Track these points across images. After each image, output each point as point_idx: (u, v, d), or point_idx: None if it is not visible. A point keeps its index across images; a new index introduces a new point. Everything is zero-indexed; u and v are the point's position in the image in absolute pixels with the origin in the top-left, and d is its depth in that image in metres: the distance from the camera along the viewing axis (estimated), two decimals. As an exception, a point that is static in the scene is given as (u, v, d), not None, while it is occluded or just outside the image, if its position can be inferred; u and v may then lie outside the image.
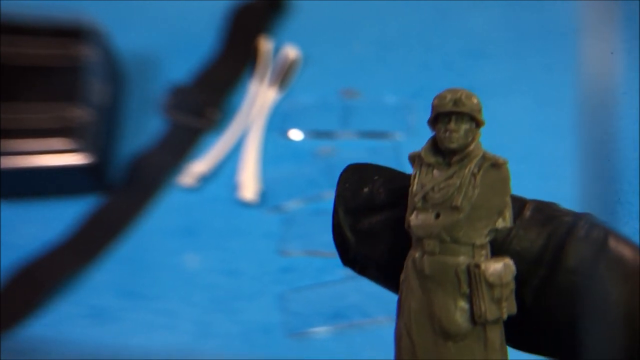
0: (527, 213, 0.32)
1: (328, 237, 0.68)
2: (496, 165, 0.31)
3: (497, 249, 0.32)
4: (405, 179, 0.34)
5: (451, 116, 0.32)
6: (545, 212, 0.32)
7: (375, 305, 0.62)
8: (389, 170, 0.35)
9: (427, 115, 0.68)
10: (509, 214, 0.32)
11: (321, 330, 0.61)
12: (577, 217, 0.31)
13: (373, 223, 0.34)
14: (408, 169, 0.68)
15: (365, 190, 0.35)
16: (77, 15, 0.73)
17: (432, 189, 0.32)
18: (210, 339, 0.63)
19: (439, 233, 0.31)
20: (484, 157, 0.32)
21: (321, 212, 0.68)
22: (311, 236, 0.67)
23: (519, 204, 0.32)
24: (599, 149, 0.34)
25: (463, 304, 0.31)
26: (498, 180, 0.32)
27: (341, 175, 0.35)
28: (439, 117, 0.32)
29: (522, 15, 0.79)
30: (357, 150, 0.71)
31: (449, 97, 0.32)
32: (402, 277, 0.33)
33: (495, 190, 0.32)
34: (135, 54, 0.80)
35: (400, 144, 0.71)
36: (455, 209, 0.31)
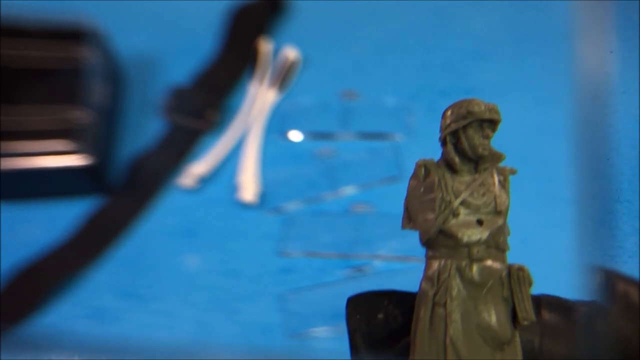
0: (547, 316, 0.33)
1: (327, 238, 0.68)
2: (512, 174, 0.32)
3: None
4: (412, 297, 0.33)
5: (484, 124, 0.32)
6: (562, 308, 0.34)
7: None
8: (395, 293, 0.35)
9: (427, 116, 0.68)
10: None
11: (321, 331, 0.61)
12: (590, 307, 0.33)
13: (398, 349, 0.34)
14: (407, 169, 0.68)
15: (380, 316, 0.35)
16: (76, 17, 0.73)
17: (472, 195, 0.32)
18: (210, 339, 0.63)
19: (487, 239, 0.31)
20: (497, 167, 0.33)
21: (321, 214, 0.68)
22: (311, 237, 0.67)
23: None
24: (597, 149, 0.34)
25: (507, 310, 0.31)
26: (508, 187, 0.32)
27: (347, 310, 0.35)
28: (471, 124, 0.32)
29: (522, 16, 0.79)
30: (357, 152, 0.71)
31: (484, 105, 0.32)
32: (430, 292, 0.32)
33: (509, 196, 0.32)
34: (135, 55, 0.80)
35: (400, 145, 0.71)
36: (499, 214, 0.31)
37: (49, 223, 0.69)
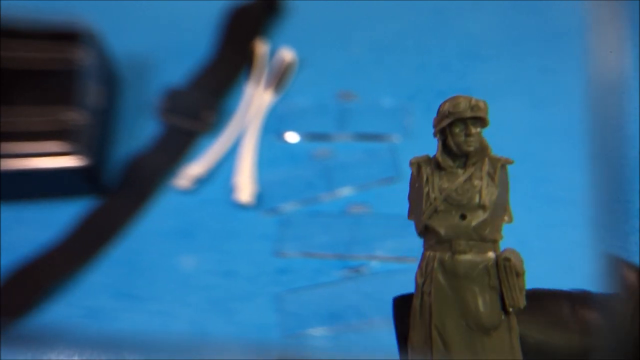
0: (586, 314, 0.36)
1: (324, 238, 0.68)
2: (504, 166, 0.33)
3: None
4: None
5: (467, 121, 0.33)
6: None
7: (372, 306, 0.62)
8: None
9: (425, 117, 0.68)
10: (510, 209, 0.34)
11: (317, 331, 0.61)
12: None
13: None
14: (404, 170, 0.68)
15: None
16: (72, 19, 0.73)
17: (455, 191, 0.33)
18: (207, 339, 0.63)
19: (469, 233, 0.33)
20: (491, 158, 0.34)
21: (317, 214, 0.68)
22: (307, 238, 0.67)
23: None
24: (603, 149, 0.35)
25: (494, 297, 0.33)
26: (505, 178, 0.34)
27: (394, 312, 0.37)
28: (455, 123, 0.33)
29: (519, 17, 0.79)
30: (354, 153, 0.71)
31: (464, 102, 0.33)
32: (419, 280, 0.34)
33: (504, 188, 0.33)
34: (130, 56, 0.80)
35: (397, 146, 0.71)
36: (482, 208, 0.33)
37: (45, 224, 0.69)
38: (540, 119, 0.71)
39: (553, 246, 0.62)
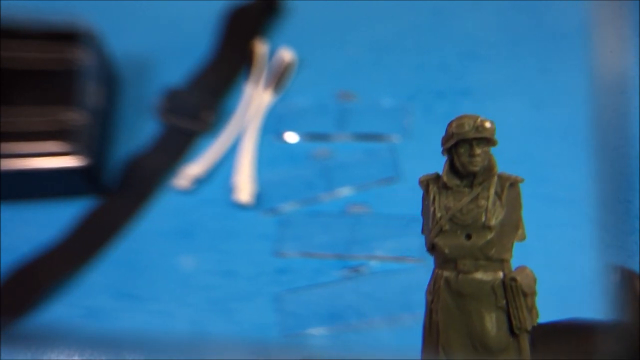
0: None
1: (323, 238, 0.68)
2: (514, 184, 0.33)
3: None
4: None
5: (472, 141, 0.33)
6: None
7: (372, 306, 0.62)
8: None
9: (424, 117, 0.68)
10: (523, 228, 0.34)
11: (317, 331, 0.61)
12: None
13: None
14: (404, 170, 0.68)
15: None
16: (72, 19, 0.73)
17: (460, 211, 0.33)
18: (206, 339, 0.63)
19: (474, 253, 0.33)
20: (500, 176, 0.33)
21: (317, 214, 0.68)
22: (307, 238, 0.67)
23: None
24: (604, 149, 0.35)
25: (501, 318, 0.33)
26: (515, 197, 0.34)
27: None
28: (459, 143, 0.33)
29: (518, 17, 0.79)
30: (353, 153, 0.71)
31: (468, 123, 0.33)
32: (429, 298, 0.34)
33: (514, 207, 0.33)
34: (130, 57, 0.80)
35: (397, 147, 0.71)
36: (488, 228, 0.32)
37: (44, 224, 0.69)
38: (540, 119, 0.71)
39: (553, 246, 0.62)
